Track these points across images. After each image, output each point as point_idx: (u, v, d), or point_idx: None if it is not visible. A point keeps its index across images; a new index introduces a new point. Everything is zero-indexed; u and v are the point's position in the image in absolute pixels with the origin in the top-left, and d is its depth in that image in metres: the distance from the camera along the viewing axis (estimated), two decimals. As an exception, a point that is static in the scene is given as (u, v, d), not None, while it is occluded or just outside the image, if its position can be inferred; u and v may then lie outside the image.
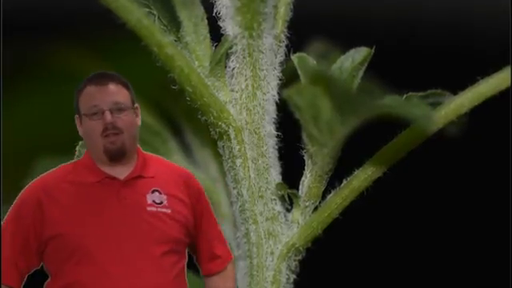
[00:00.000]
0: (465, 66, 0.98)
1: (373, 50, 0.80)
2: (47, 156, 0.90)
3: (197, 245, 0.75)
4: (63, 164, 0.75)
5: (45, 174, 0.74)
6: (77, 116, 0.73)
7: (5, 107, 1.02)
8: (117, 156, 0.72)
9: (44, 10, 1.08)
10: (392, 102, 0.72)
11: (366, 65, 0.81)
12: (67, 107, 1.04)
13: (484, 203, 1.16)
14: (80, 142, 0.80)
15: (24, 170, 0.90)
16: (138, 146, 0.75)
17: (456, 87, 0.79)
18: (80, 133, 0.73)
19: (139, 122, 0.74)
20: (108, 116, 0.70)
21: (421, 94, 0.78)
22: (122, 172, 0.73)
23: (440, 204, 1.16)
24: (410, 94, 0.78)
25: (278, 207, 0.81)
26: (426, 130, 0.76)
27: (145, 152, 0.75)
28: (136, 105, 0.74)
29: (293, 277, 0.82)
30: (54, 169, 0.75)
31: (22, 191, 0.73)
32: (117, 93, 0.72)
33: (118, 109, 0.71)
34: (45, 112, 1.04)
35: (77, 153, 0.80)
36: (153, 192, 0.72)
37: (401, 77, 0.83)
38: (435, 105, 0.78)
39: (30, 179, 0.89)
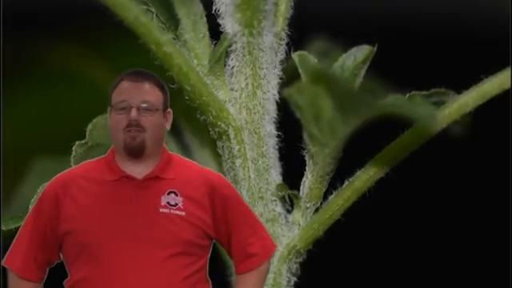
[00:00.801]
0: (468, 64, 0.99)
1: (375, 49, 0.81)
2: (45, 156, 0.91)
3: (230, 247, 0.76)
4: (88, 161, 0.77)
5: (68, 169, 0.76)
6: (109, 108, 0.75)
7: (3, 105, 1.03)
8: (135, 152, 0.73)
9: (43, 7, 1.09)
10: (395, 102, 0.73)
11: (368, 63, 0.81)
12: (65, 106, 1.05)
13: (487, 205, 1.16)
14: (77, 142, 0.82)
15: (22, 170, 0.92)
16: (165, 147, 0.76)
17: (459, 86, 0.79)
18: (108, 125, 0.76)
19: (168, 127, 0.75)
20: (134, 112, 0.72)
21: (424, 92, 0.79)
22: (141, 172, 0.74)
23: (443, 206, 1.17)
24: (413, 93, 0.79)
25: (279, 208, 0.82)
26: (429, 129, 0.76)
27: (173, 154, 0.77)
28: (168, 110, 0.75)
29: (293, 279, 0.83)
30: (78, 165, 0.77)
31: (46, 186, 0.76)
32: (149, 93, 0.74)
33: (146, 108, 0.73)
34: (43, 111, 1.05)
35: (73, 153, 0.81)
36: (169, 193, 0.73)
37: (403, 75, 0.84)
38: (439, 104, 0.78)
39: (28, 179, 0.91)
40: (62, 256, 0.75)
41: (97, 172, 0.75)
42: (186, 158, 0.78)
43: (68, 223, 0.73)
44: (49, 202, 0.74)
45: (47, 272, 0.76)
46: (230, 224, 0.75)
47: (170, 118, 0.75)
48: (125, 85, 0.74)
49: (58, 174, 0.76)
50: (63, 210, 0.73)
